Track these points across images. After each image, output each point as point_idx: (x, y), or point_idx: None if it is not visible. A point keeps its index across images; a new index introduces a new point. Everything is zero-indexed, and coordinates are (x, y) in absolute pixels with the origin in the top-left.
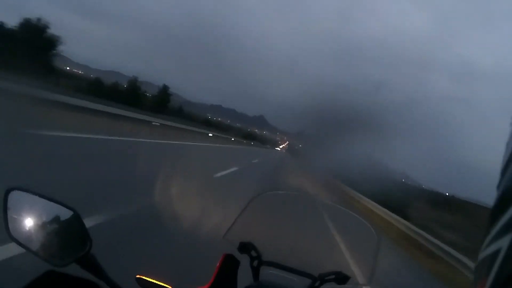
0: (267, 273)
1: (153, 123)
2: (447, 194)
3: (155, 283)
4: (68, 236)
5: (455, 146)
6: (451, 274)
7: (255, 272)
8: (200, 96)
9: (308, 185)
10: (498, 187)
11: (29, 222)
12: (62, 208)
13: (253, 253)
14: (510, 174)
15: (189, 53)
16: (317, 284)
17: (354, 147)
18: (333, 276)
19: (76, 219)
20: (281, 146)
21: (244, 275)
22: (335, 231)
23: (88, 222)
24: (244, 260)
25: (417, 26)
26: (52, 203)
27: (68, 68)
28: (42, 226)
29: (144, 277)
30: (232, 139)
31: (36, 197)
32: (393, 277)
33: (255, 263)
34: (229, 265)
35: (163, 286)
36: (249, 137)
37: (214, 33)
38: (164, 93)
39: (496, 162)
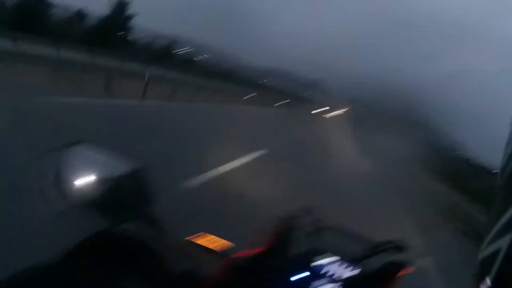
0: (326, 237)
1: None
2: None
3: (207, 245)
4: (130, 193)
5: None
6: None
7: (314, 235)
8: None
9: None
10: (498, 187)
11: (91, 178)
12: (127, 164)
13: (314, 217)
14: (509, 174)
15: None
16: (375, 250)
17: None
18: (390, 245)
19: (141, 176)
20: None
21: (303, 239)
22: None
23: None
24: (302, 224)
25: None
26: (116, 159)
27: None
28: (104, 181)
29: (196, 239)
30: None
31: (101, 152)
32: None
33: (315, 226)
34: (286, 228)
35: (216, 248)
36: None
37: None
38: None
39: None
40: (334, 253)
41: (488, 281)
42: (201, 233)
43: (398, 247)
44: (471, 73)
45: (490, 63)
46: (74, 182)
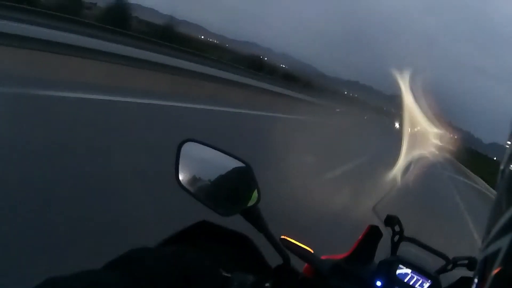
0: (405, 249)
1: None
2: None
3: (298, 245)
4: (237, 188)
5: None
6: None
7: (394, 246)
8: (335, 70)
9: None
10: (497, 186)
11: (199, 172)
12: (234, 161)
13: (396, 228)
14: (509, 174)
15: (327, 25)
16: (449, 266)
17: None
18: (465, 261)
19: (248, 172)
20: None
21: (384, 248)
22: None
23: None
24: (386, 234)
25: None
26: (224, 155)
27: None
28: (211, 176)
29: (288, 238)
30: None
31: (209, 149)
32: None
33: (396, 237)
34: (372, 236)
35: (305, 249)
36: None
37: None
38: None
39: None
40: (413, 265)
41: (488, 281)
42: (293, 233)
43: (473, 264)
44: None
45: None
46: (186, 175)
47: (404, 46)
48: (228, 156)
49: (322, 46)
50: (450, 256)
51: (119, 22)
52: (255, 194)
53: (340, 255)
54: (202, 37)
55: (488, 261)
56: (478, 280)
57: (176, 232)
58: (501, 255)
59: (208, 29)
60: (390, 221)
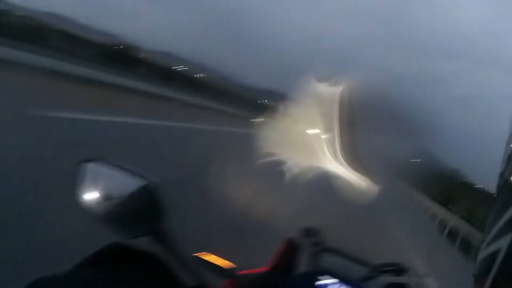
0: (327, 259)
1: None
2: None
3: (215, 261)
4: (144, 208)
5: None
6: None
7: (316, 257)
8: (255, 79)
9: None
10: (497, 187)
11: (103, 193)
12: (140, 179)
13: (316, 238)
14: (509, 174)
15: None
16: (375, 273)
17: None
18: (391, 267)
19: (155, 190)
20: None
21: (305, 260)
22: (394, 219)
23: None
24: (306, 245)
25: (476, 19)
26: (130, 173)
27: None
28: (117, 196)
29: (204, 255)
30: None
31: (114, 168)
32: None
33: (317, 248)
34: (291, 248)
35: (223, 264)
36: None
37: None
38: None
39: None
40: (336, 274)
41: (488, 281)
42: (207, 251)
43: (399, 269)
44: (481, 96)
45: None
46: (88, 197)
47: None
48: (134, 175)
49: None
50: (375, 263)
51: None
52: (163, 213)
53: (259, 269)
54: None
55: (488, 261)
56: (478, 280)
57: (86, 257)
58: (501, 255)
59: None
60: (309, 232)
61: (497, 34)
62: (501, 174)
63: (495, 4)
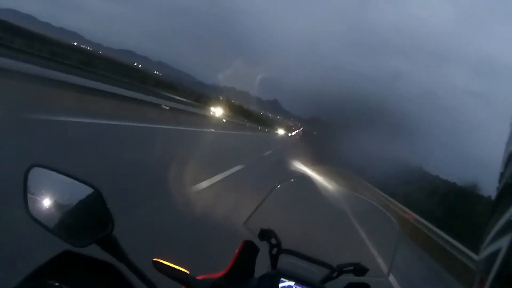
0: (285, 261)
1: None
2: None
3: (172, 267)
4: (89, 216)
5: (473, 141)
6: None
7: (274, 260)
8: (213, 77)
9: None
10: (497, 187)
11: (49, 200)
12: (84, 186)
13: (273, 241)
14: (509, 174)
15: (202, 33)
16: (334, 274)
17: (369, 138)
18: (351, 268)
19: (98, 198)
20: (294, 132)
21: (262, 263)
22: (355, 221)
23: None
24: (263, 248)
25: (438, 17)
26: (74, 180)
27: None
28: (62, 204)
29: (161, 261)
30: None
31: (58, 175)
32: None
33: (274, 251)
34: (248, 252)
35: (179, 270)
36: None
37: (229, 14)
38: None
39: None
40: (295, 277)
41: (488, 281)
42: (166, 255)
43: (359, 269)
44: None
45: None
46: (39, 206)
47: (285, 54)
48: (77, 182)
49: (201, 54)
50: (334, 264)
51: None
52: (108, 221)
53: (217, 274)
54: (75, 43)
55: (488, 261)
56: (478, 280)
57: (38, 266)
58: (501, 255)
59: (84, 36)
60: (265, 234)
61: (456, 33)
62: (501, 175)
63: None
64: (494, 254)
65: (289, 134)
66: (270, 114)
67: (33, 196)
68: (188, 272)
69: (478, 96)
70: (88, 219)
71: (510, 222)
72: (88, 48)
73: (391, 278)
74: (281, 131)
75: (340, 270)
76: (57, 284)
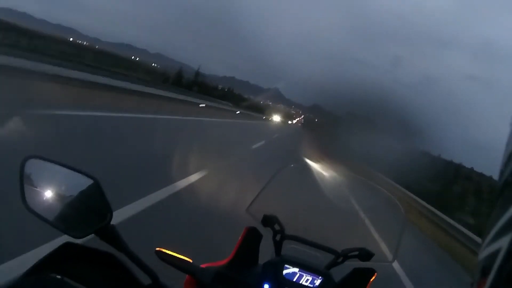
0: (289, 247)
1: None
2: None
3: (174, 256)
4: (87, 206)
5: (472, 125)
6: None
7: (278, 246)
8: (212, 68)
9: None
10: (497, 187)
11: (46, 192)
12: (82, 177)
13: (276, 227)
14: (509, 174)
15: (201, 24)
16: (339, 260)
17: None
18: (356, 253)
19: (97, 188)
20: (295, 120)
21: (266, 249)
22: (359, 206)
23: None
24: (266, 234)
25: (438, 2)
26: (71, 171)
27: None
28: (60, 195)
29: (163, 250)
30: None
31: (55, 166)
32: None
33: (278, 237)
34: (251, 239)
35: (182, 259)
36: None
37: (228, 4)
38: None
39: None
40: (300, 263)
41: (488, 281)
42: (170, 244)
43: (364, 254)
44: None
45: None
46: (36, 197)
47: (278, 40)
48: (75, 172)
49: (199, 45)
50: (338, 249)
51: None
52: (107, 211)
53: (220, 262)
54: (71, 39)
55: (488, 261)
56: (478, 280)
57: (40, 260)
58: (501, 255)
59: (81, 32)
60: (268, 220)
61: (456, 18)
62: (501, 173)
63: None
64: (494, 254)
65: (289, 122)
66: (270, 103)
67: (30, 188)
68: (191, 261)
69: (478, 81)
70: (86, 209)
71: (510, 222)
72: (85, 43)
73: (395, 264)
74: (282, 119)
75: (345, 255)
76: (59, 276)
